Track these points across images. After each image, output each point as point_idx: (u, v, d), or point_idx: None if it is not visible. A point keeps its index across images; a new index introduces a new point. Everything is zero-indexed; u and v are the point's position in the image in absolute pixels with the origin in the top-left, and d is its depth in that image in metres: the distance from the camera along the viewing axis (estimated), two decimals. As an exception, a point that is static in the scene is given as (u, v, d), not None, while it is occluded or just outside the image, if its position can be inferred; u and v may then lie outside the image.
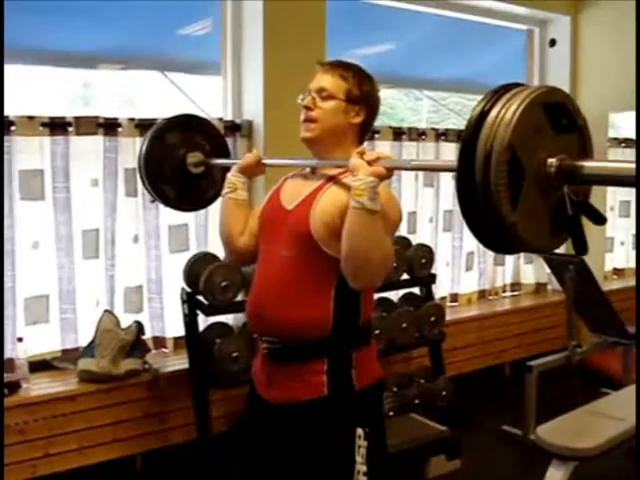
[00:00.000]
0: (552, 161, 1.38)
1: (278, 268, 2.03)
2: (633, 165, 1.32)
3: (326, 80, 2.06)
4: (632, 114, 4.87)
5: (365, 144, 2.09)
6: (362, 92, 2.06)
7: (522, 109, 1.36)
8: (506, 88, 1.42)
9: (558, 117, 1.44)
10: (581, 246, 1.47)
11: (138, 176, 2.72)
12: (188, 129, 2.68)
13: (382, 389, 2.16)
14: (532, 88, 1.41)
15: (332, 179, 2.02)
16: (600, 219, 1.47)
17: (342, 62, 2.11)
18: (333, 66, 2.08)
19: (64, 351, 3.38)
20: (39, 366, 3.31)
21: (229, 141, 3.69)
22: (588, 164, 1.40)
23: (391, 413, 3.49)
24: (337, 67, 2.08)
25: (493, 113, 1.37)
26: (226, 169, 2.38)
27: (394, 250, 1.97)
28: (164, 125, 2.67)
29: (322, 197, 1.98)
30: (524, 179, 1.37)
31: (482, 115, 1.38)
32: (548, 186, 1.40)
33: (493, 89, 1.42)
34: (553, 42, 5.30)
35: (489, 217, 1.38)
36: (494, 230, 1.40)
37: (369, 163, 1.83)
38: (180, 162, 2.62)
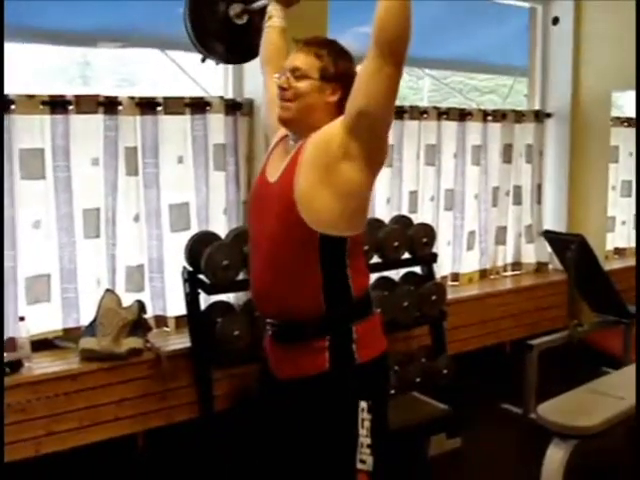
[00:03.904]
0: None
1: (267, 249, 2.04)
2: None
3: (300, 59, 2.05)
4: (634, 93, 4.85)
5: None
6: (337, 70, 2.05)
7: None
8: None
9: None
10: None
11: (187, 34, 2.74)
12: None
13: (386, 361, 2.15)
14: None
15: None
16: None
17: (318, 39, 2.11)
18: (308, 44, 2.07)
19: (66, 330, 3.38)
20: (41, 345, 3.31)
21: (230, 120, 3.69)
22: None
23: (392, 391, 3.50)
24: (312, 45, 2.07)
25: None
26: None
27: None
28: None
29: (304, 153, 1.98)
30: None
31: None
32: None
33: None
34: (556, 20, 5.25)
35: None
36: None
37: None
38: (223, 16, 2.69)
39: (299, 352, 2.05)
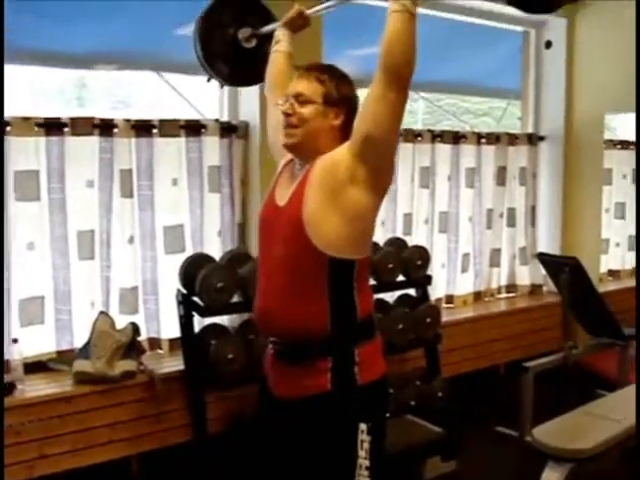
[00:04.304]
0: None
1: (275, 271, 2.07)
2: None
3: (302, 85, 2.09)
4: (627, 116, 4.88)
5: None
6: (340, 94, 2.09)
7: None
8: None
9: None
10: None
11: (195, 54, 2.79)
12: (236, 7, 2.80)
13: (386, 384, 2.18)
14: None
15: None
16: None
17: (318, 65, 2.17)
18: (309, 70, 2.11)
19: (59, 352, 3.36)
20: (34, 367, 3.30)
21: (225, 142, 3.71)
22: None
23: (387, 414, 3.48)
24: (313, 71, 2.11)
25: None
26: None
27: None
28: (213, 6, 2.80)
29: (311, 177, 2.02)
30: None
31: None
32: None
33: None
34: (549, 44, 5.30)
35: None
36: None
37: None
38: (232, 38, 2.75)
39: (301, 372, 2.06)
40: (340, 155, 1.99)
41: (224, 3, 2.81)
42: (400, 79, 1.89)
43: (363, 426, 2.01)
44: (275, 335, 2.13)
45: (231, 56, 2.76)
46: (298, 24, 2.53)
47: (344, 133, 2.07)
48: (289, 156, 2.21)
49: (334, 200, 1.97)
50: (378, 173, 2.00)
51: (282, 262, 2.04)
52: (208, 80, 2.85)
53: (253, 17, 2.79)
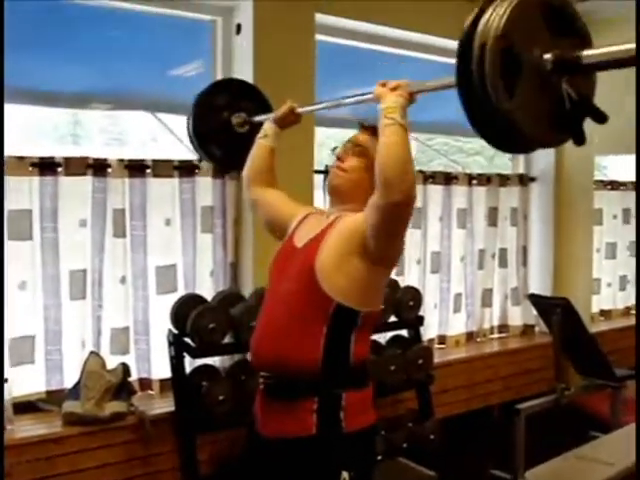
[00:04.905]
0: (548, 56, 1.43)
1: (279, 304, 2.13)
2: (629, 45, 1.35)
3: (364, 138, 2.22)
4: (618, 156, 4.91)
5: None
6: None
7: (516, 3, 1.43)
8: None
9: (556, 20, 1.49)
10: (579, 138, 1.49)
11: (188, 139, 2.90)
12: (232, 92, 2.88)
13: (374, 435, 2.18)
14: None
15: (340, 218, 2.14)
16: (601, 117, 1.50)
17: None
18: (373, 129, 2.17)
19: (49, 392, 3.34)
20: (24, 408, 3.26)
21: (218, 182, 3.72)
22: (585, 52, 1.43)
23: (379, 457, 3.46)
24: (375, 130, 2.15)
25: (488, 12, 1.45)
26: None
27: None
28: (210, 89, 2.89)
29: (332, 230, 2.10)
30: (521, 72, 1.43)
31: (478, 15, 1.47)
32: (546, 81, 1.45)
33: None
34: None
35: (484, 104, 1.44)
36: (490, 117, 1.43)
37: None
38: (226, 123, 2.81)
39: (287, 410, 2.07)
40: (358, 226, 2.05)
41: (221, 87, 2.89)
42: (392, 192, 1.92)
43: (345, 474, 2.01)
44: (266, 367, 2.14)
45: (223, 139, 2.82)
46: (289, 120, 2.58)
47: None
48: (301, 215, 2.32)
49: (346, 262, 2.04)
50: (388, 251, 2.08)
51: (287, 297, 2.10)
52: (199, 161, 2.92)
53: (248, 102, 2.86)
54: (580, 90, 1.47)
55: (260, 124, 2.69)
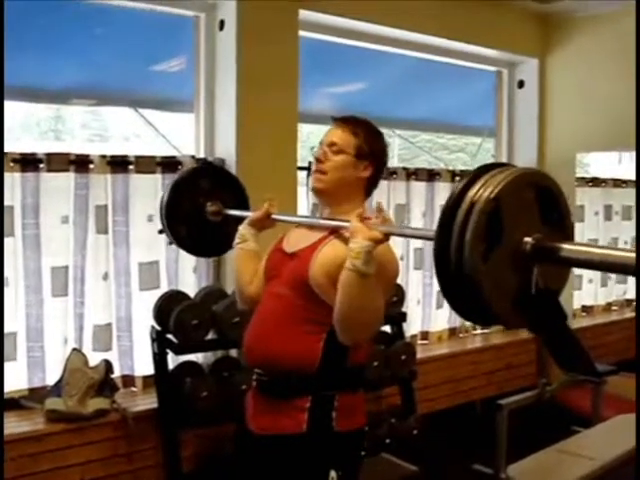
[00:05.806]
0: (529, 239, 1.42)
1: (274, 304, 2.12)
2: (612, 251, 1.37)
3: (337, 135, 2.16)
4: (599, 153, 4.94)
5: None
6: (371, 148, 2.15)
7: (515, 176, 1.45)
8: (494, 166, 1.51)
9: (548, 207, 1.50)
10: (532, 328, 1.51)
11: (158, 215, 2.82)
12: (214, 179, 2.80)
13: (363, 437, 2.20)
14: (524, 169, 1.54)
15: (334, 232, 2.09)
16: (561, 315, 1.51)
17: (354, 118, 2.20)
18: (345, 122, 2.18)
19: (31, 390, 3.32)
20: (6, 405, 3.24)
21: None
22: (566, 246, 1.42)
23: (362, 453, 3.46)
24: (349, 123, 2.17)
25: (485, 177, 1.45)
26: (241, 221, 2.44)
27: (385, 306, 2.01)
28: (193, 170, 2.88)
29: (323, 248, 2.07)
30: (500, 242, 1.42)
31: (476, 175, 1.48)
32: (521, 260, 1.43)
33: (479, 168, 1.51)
34: (521, 83, 5.39)
35: (458, 259, 1.41)
36: (458, 275, 1.41)
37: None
38: (200, 208, 2.71)
39: (280, 407, 2.07)
40: (341, 259, 1.94)
41: (199, 173, 2.84)
42: (347, 336, 1.98)
43: (333, 474, 2.02)
44: (261, 365, 2.14)
45: (194, 226, 2.74)
46: (265, 224, 2.39)
47: (370, 186, 2.20)
48: (274, 243, 2.27)
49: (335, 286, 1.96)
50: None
51: (285, 301, 2.09)
52: (170, 243, 2.88)
53: (225, 193, 2.78)
54: (548, 282, 1.46)
55: (234, 219, 2.58)
